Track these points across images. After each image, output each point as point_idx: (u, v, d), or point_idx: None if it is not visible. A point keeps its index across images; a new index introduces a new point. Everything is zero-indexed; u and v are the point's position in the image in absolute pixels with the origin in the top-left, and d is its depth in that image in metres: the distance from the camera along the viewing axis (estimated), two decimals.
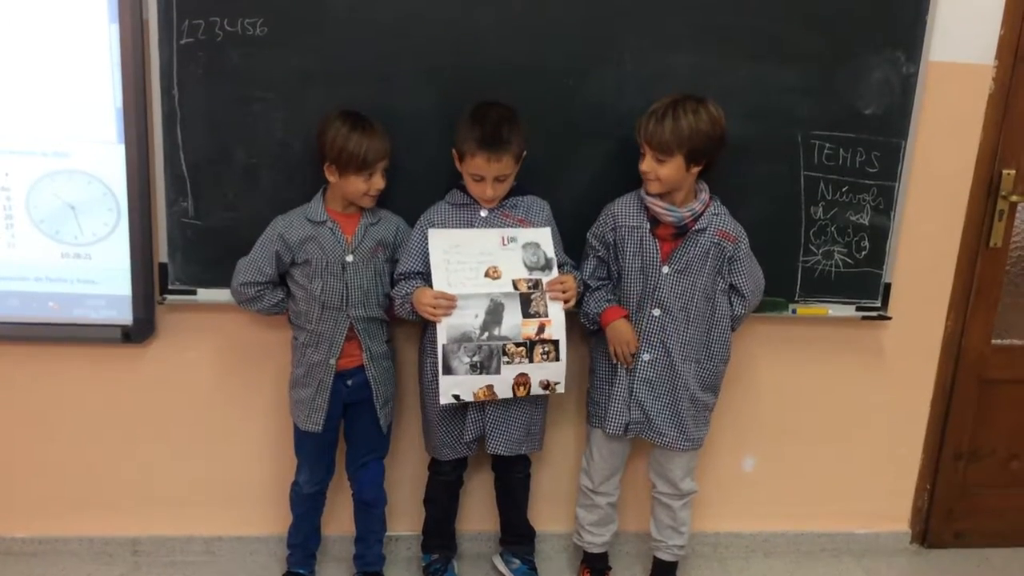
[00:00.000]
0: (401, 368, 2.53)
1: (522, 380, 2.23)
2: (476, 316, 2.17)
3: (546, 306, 2.21)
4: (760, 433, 2.80)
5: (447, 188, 2.34)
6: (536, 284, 2.21)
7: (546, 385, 2.26)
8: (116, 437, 2.59)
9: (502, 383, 2.22)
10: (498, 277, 2.20)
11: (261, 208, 2.32)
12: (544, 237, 2.27)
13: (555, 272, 2.25)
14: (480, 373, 2.20)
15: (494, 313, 2.18)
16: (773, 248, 2.49)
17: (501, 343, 2.18)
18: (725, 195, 2.37)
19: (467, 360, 2.18)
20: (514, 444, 2.39)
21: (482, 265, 2.21)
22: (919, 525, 2.96)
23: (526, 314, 2.19)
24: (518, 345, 2.19)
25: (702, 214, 2.28)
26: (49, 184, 2.35)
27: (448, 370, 2.18)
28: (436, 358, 2.19)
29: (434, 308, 2.16)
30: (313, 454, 2.42)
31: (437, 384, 2.21)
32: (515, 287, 2.20)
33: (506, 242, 2.24)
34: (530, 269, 2.23)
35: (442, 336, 2.17)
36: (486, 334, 2.18)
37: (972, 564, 2.90)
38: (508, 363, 2.20)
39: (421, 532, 2.63)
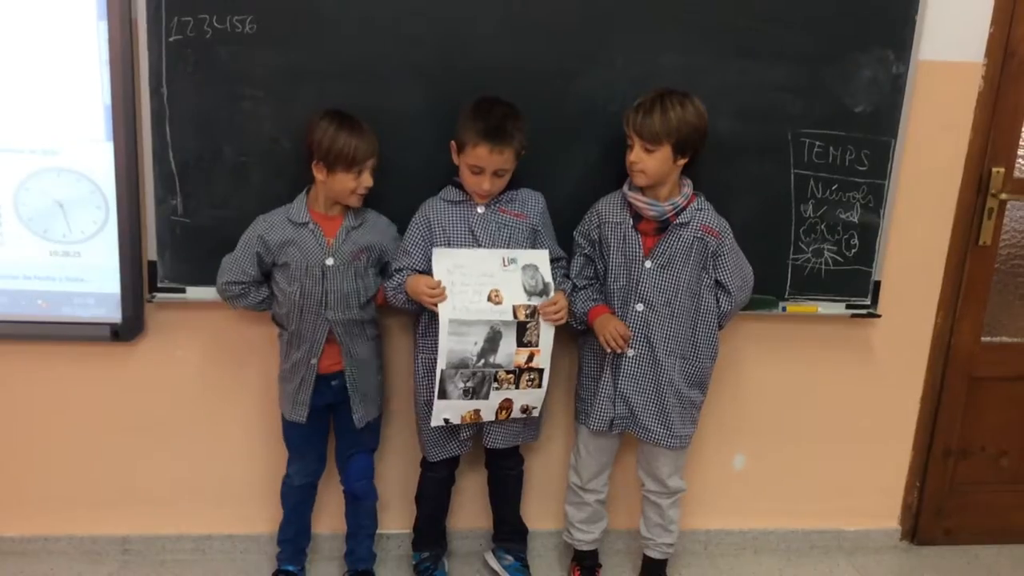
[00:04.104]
0: (392, 365, 2.53)
1: (506, 404, 2.29)
2: (476, 343, 2.20)
3: (539, 336, 2.24)
4: (750, 431, 2.80)
5: (440, 187, 2.33)
6: (533, 312, 2.23)
7: (525, 409, 2.33)
8: (105, 435, 2.59)
9: (488, 407, 2.28)
10: (500, 302, 2.21)
11: (250, 206, 2.32)
12: (543, 260, 2.28)
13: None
14: (471, 398, 2.25)
15: (492, 341, 2.21)
16: (763, 246, 2.50)
17: (494, 370, 2.23)
18: (715, 193, 2.38)
19: (461, 386, 2.23)
20: (511, 436, 2.41)
21: (484, 287, 2.21)
22: (909, 522, 2.97)
23: (520, 343, 2.23)
24: (508, 372, 2.24)
25: (684, 208, 2.28)
26: (37, 182, 2.35)
27: (443, 394, 2.23)
28: (428, 363, 2.22)
29: (431, 296, 2.17)
30: (301, 445, 2.43)
31: (431, 398, 2.26)
32: (515, 315, 2.21)
33: (506, 263, 2.24)
34: (529, 294, 2.24)
35: (442, 361, 2.19)
36: (482, 361, 2.21)
37: (962, 561, 2.91)
38: (497, 389, 2.25)
39: (412, 530, 2.63)
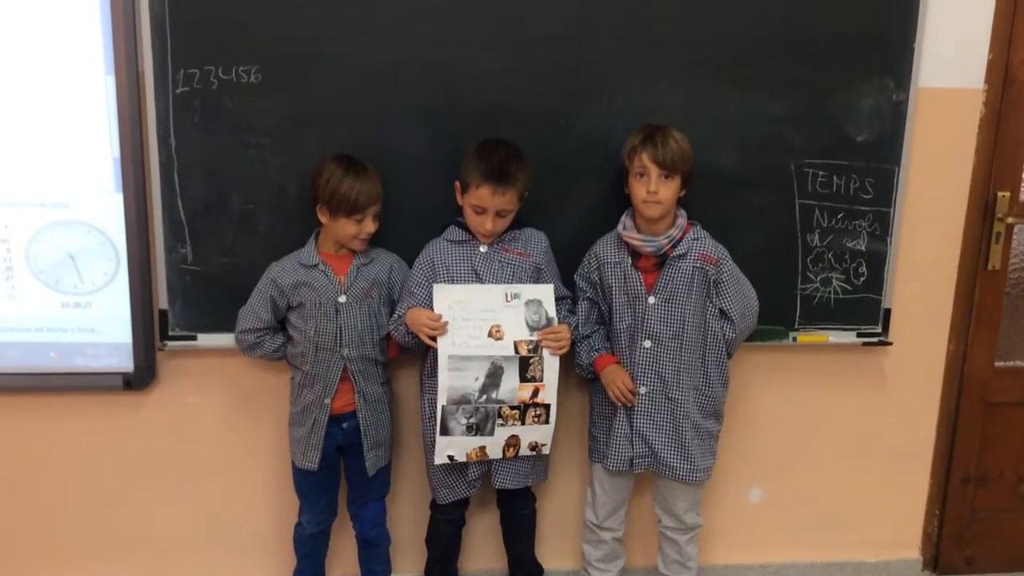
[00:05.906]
0: (401, 408, 2.53)
1: (513, 442, 2.27)
2: (476, 379, 2.19)
3: (543, 370, 2.23)
4: (766, 463, 2.78)
5: (443, 228, 2.35)
6: (536, 347, 2.22)
7: (534, 446, 2.30)
8: (118, 485, 2.59)
9: (494, 444, 2.26)
10: (500, 338, 2.21)
11: (259, 253, 2.34)
12: (547, 294, 2.27)
13: None
14: (475, 435, 2.23)
15: (494, 376, 2.20)
16: (771, 276, 2.50)
17: (497, 406, 2.22)
18: (721, 225, 2.39)
19: (464, 422, 2.21)
20: (521, 477, 2.39)
21: (486, 323, 2.21)
22: (930, 552, 2.92)
23: (523, 378, 2.22)
24: (512, 408, 2.23)
25: (680, 240, 2.29)
26: (48, 235, 2.37)
27: (445, 431, 2.22)
28: (435, 403, 2.21)
29: (432, 328, 2.17)
30: (312, 493, 2.42)
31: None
32: (516, 350, 2.21)
33: (509, 299, 2.23)
34: (532, 329, 2.23)
35: (442, 397, 2.19)
36: (484, 396, 2.21)
37: None
38: (502, 425, 2.24)
39: (424, 573, 2.61)
